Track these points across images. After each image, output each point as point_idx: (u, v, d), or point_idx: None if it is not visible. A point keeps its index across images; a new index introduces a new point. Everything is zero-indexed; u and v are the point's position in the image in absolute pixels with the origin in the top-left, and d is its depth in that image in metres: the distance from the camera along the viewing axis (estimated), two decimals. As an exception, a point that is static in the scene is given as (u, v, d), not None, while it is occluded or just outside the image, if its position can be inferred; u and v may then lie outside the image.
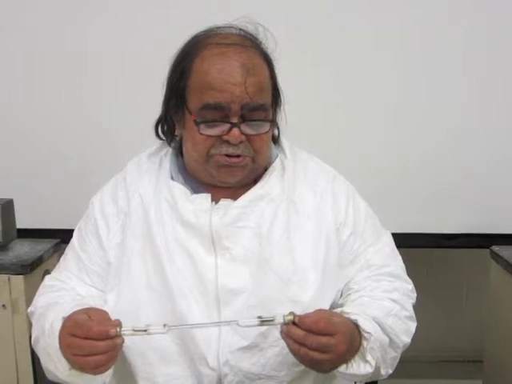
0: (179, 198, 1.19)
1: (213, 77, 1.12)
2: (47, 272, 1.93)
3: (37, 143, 2.24)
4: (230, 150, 1.14)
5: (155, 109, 1.27)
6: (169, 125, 1.25)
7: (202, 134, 1.14)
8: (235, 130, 1.12)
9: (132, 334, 1.01)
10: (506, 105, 2.17)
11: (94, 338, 0.99)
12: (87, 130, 2.22)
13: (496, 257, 2.09)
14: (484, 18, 2.11)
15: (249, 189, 1.20)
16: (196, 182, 1.23)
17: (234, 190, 1.20)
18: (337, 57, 2.14)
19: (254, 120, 1.14)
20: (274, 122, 1.22)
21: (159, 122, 1.27)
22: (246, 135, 1.14)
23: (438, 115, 2.17)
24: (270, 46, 1.21)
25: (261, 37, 1.20)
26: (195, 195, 1.20)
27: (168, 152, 1.27)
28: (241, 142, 1.13)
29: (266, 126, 1.16)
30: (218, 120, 1.13)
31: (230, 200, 1.19)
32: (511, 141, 2.18)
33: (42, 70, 2.19)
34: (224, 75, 1.12)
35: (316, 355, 1.01)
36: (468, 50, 2.13)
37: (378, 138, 2.19)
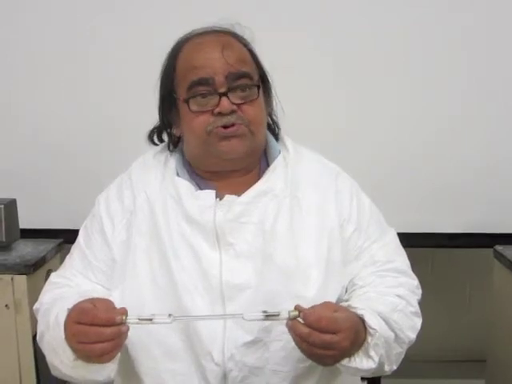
0: (184, 194, 1.20)
1: (193, 58, 1.19)
2: (50, 272, 1.92)
3: (39, 144, 2.24)
4: (224, 120, 1.16)
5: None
6: (166, 129, 1.28)
7: (192, 110, 1.17)
8: (224, 100, 1.15)
9: (137, 323, 1.01)
10: (507, 104, 2.17)
11: (100, 325, 0.99)
12: (90, 131, 2.22)
13: (499, 256, 2.09)
14: (484, 18, 2.11)
15: (252, 184, 1.21)
16: (201, 177, 1.23)
17: (239, 186, 1.21)
18: (337, 57, 2.14)
19: (239, 86, 1.17)
20: (267, 103, 1.24)
21: (154, 130, 1.30)
22: (237, 104, 1.16)
23: (439, 114, 2.17)
24: (250, 39, 1.26)
25: (238, 32, 1.25)
26: (200, 191, 1.21)
27: (173, 151, 1.28)
28: (233, 112, 1.16)
29: (255, 92, 1.19)
30: (207, 93, 1.16)
31: (234, 196, 1.19)
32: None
33: (44, 70, 2.19)
34: (203, 53, 1.18)
35: (319, 351, 1.02)
36: (469, 50, 2.13)
37: (379, 136, 2.19)
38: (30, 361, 1.93)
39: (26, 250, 2.04)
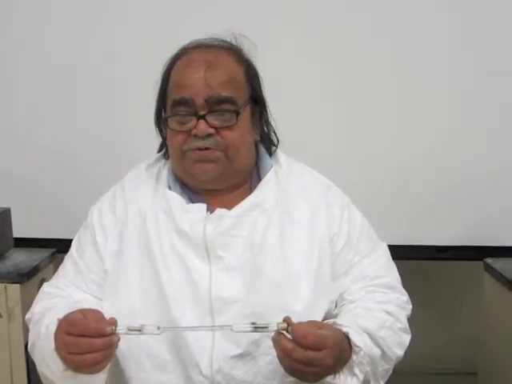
0: (175, 207, 1.21)
1: (179, 76, 1.19)
2: (43, 281, 1.93)
3: (34, 153, 2.24)
4: (199, 144, 1.17)
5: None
6: (163, 138, 1.29)
7: (171, 128, 1.18)
8: (201, 123, 1.15)
9: (126, 333, 1.02)
10: (503, 120, 2.17)
11: (90, 336, 1.00)
12: (85, 143, 2.23)
13: (489, 269, 2.11)
14: (485, 18, 2.11)
15: (244, 198, 1.22)
16: (192, 191, 1.25)
17: (230, 199, 1.22)
18: (336, 58, 2.14)
19: (219, 111, 1.16)
20: (255, 123, 1.24)
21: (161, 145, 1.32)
22: (215, 128, 1.16)
23: (429, 127, 2.18)
24: (251, 53, 1.25)
25: (238, 43, 1.25)
26: (191, 204, 1.22)
27: (166, 162, 1.30)
28: (209, 135, 1.16)
29: (233, 118, 1.18)
30: (186, 114, 1.17)
31: (224, 210, 1.20)
32: (504, 154, 2.19)
33: (45, 73, 2.21)
34: (188, 73, 1.18)
35: (300, 367, 1.01)
36: (467, 53, 2.13)
37: (369, 149, 2.19)
38: (22, 369, 1.93)
39: (20, 258, 2.05)
